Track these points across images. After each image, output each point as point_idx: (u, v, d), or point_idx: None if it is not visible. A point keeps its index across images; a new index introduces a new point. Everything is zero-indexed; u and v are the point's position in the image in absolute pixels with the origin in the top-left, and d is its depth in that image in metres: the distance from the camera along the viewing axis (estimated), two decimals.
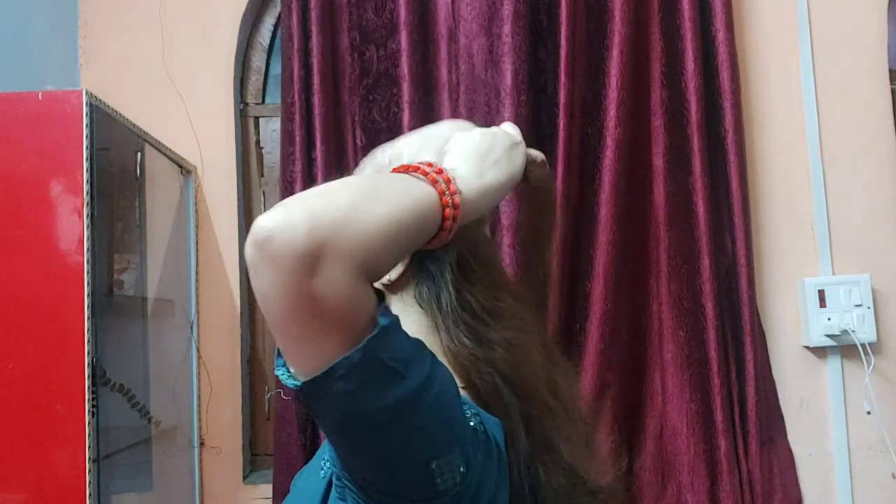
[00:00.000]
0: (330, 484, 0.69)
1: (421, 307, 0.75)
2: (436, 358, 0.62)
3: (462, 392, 0.70)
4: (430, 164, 0.64)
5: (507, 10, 1.77)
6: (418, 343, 0.61)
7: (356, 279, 0.54)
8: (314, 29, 1.81)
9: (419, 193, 0.61)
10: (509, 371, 0.71)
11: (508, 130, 0.75)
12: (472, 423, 0.64)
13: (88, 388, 1.25)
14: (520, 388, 0.70)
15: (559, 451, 0.71)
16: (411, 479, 0.59)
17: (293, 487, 0.79)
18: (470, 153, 0.70)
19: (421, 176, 0.63)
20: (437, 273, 0.74)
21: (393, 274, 0.75)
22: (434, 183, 0.62)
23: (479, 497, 0.62)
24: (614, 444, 1.71)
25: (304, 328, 0.55)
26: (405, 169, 0.64)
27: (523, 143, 0.75)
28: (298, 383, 0.56)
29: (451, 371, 0.72)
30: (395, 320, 0.58)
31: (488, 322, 0.73)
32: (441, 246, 0.70)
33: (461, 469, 0.60)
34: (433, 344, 0.75)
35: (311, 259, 0.52)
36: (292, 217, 0.53)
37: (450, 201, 0.62)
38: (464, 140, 0.71)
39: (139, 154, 1.63)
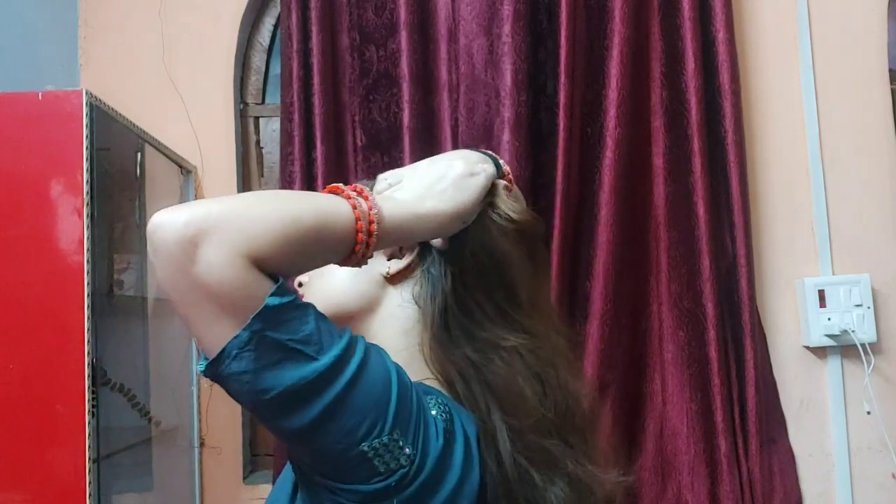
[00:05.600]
0: None
1: (416, 304, 0.77)
2: (368, 346, 0.64)
3: (435, 384, 0.73)
4: (355, 188, 0.68)
5: (507, 10, 1.77)
6: (334, 329, 0.63)
7: (240, 265, 0.58)
8: (314, 29, 1.81)
9: (326, 204, 0.65)
10: (497, 377, 0.72)
11: (469, 160, 0.75)
12: (433, 412, 0.67)
13: (88, 388, 1.25)
14: (506, 396, 0.72)
15: (561, 462, 0.72)
16: (344, 462, 0.62)
17: (276, 480, 0.81)
18: (417, 179, 0.73)
19: (339, 194, 0.66)
20: (437, 273, 0.77)
21: (393, 267, 0.78)
22: (349, 199, 0.65)
23: (440, 481, 0.65)
24: (615, 446, 1.71)
25: (198, 313, 0.59)
26: (329, 190, 0.68)
27: (482, 175, 0.75)
28: (202, 367, 0.60)
29: (432, 366, 0.75)
30: (294, 302, 0.61)
31: (488, 328, 0.75)
32: (443, 247, 0.75)
33: (406, 451, 0.62)
34: (424, 341, 0.76)
35: (189, 245, 0.57)
36: (174, 211, 0.59)
37: (364, 219, 0.65)
38: (416, 167, 0.75)
39: (139, 154, 1.63)
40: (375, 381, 0.63)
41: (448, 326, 0.75)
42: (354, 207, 0.65)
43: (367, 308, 0.79)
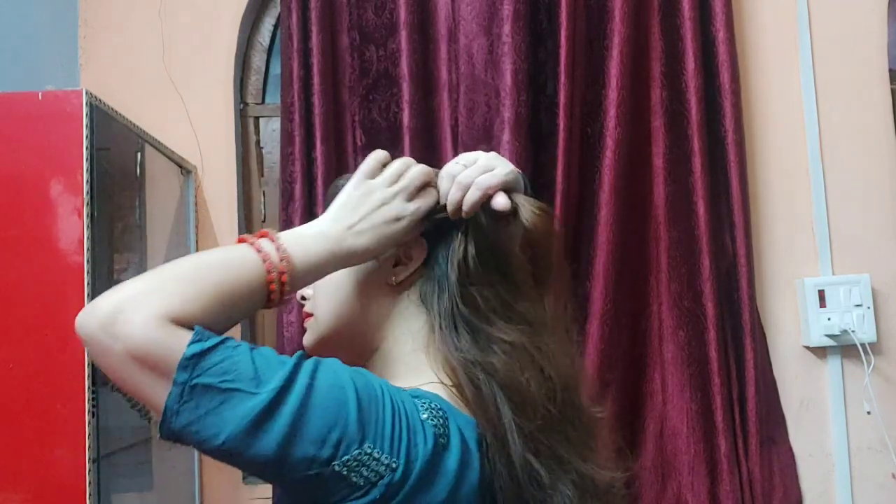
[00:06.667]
0: None
1: (424, 306, 0.77)
2: (317, 367, 0.65)
3: (441, 388, 0.72)
4: (265, 234, 0.70)
5: (507, 10, 1.77)
6: (274, 360, 0.64)
7: (155, 325, 0.61)
8: (314, 29, 1.81)
9: (235, 259, 0.68)
10: (506, 377, 0.71)
11: (412, 204, 0.75)
12: (423, 416, 0.66)
13: (88, 388, 1.25)
14: (515, 396, 0.71)
15: (565, 458, 0.71)
16: (321, 485, 0.62)
17: None
18: (342, 210, 0.74)
19: (249, 246, 0.69)
20: (443, 272, 0.76)
21: (399, 275, 0.77)
22: (258, 250, 0.68)
23: (431, 486, 0.64)
24: (617, 444, 1.71)
25: (138, 383, 0.62)
26: (240, 240, 0.70)
27: (406, 220, 0.74)
28: (161, 432, 0.62)
29: (438, 369, 0.74)
30: (219, 345, 0.62)
31: (493, 321, 0.74)
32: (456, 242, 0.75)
33: (384, 460, 0.62)
34: (431, 343, 0.76)
35: (108, 327, 0.61)
36: (88, 306, 0.63)
37: (275, 269, 0.68)
38: (345, 196, 0.75)
39: (139, 154, 1.63)
40: (327, 400, 0.63)
41: (456, 326, 0.74)
42: (264, 260, 0.68)
43: (375, 315, 0.78)
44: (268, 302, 0.69)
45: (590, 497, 0.72)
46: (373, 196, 0.74)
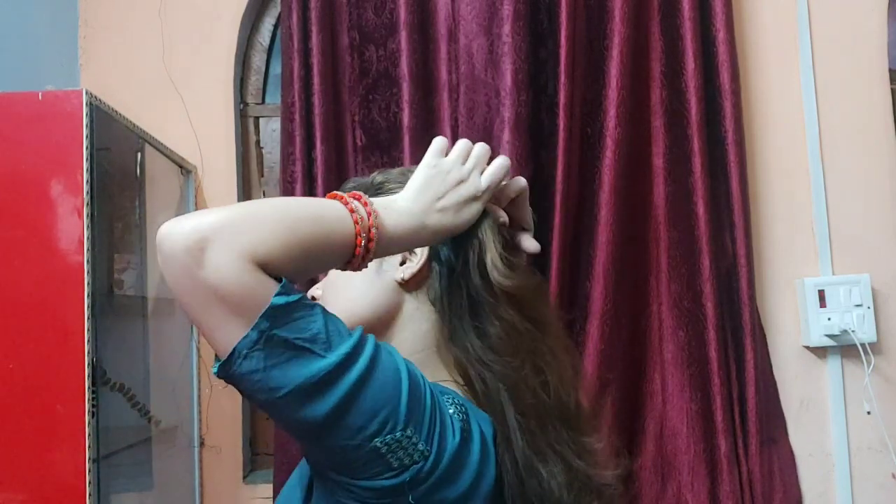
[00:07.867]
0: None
1: (433, 305, 0.77)
2: (378, 345, 0.65)
3: (454, 386, 0.74)
4: (357, 195, 0.69)
5: (507, 10, 1.77)
6: (344, 328, 0.64)
7: (244, 266, 0.60)
8: (314, 29, 1.81)
9: (328, 212, 0.66)
10: (509, 376, 0.73)
11: (483, 179, 0.76)
12: (450, 410, 0.68)
13: (88, 388, 1.25)
14: (517, 396, 0.72)
15: (563, 456, 0.73)
16: (357, 459, 0.63)
17: (286, 483, 0.82)
18: (423, 188, 0.74)
19: (341, 203, 0.67)
20: (454, 272, 0.77)
21: (406, 272, 0.78)
22: (350, 211, 0.67)
23: (456, 477, 0.66)
24: (614, 444, 1.71)
25: (208, 316, 0.61)
26: (331, 196, 0.69)
27: (480, 203, 0.75)
28: (215, 368, 0.61)
29: (450, 368, 0.75)
30: (300, 301, 0.62)
31: (499, 319, 0.75)
32: (461, 242, 0.76)
33: (420, 447, 0.63)
34: (441, 342, 0.77)
35: (196, 251, 0.59)
36: (181, 220, 0.61)
37: (364, 230, 0.66)
38: (424, 176, 0.75)
39: (139, 154, 1.63)
40: (386, 379, 0.63)
41: (465, 326, 0.75)
42: (356, 222, 0.66)
43: (384, 315, 0.79)
44: (346, 265, 0.68)
45: (586, 494, 0.73)
46: (450, 175, 0.75)
